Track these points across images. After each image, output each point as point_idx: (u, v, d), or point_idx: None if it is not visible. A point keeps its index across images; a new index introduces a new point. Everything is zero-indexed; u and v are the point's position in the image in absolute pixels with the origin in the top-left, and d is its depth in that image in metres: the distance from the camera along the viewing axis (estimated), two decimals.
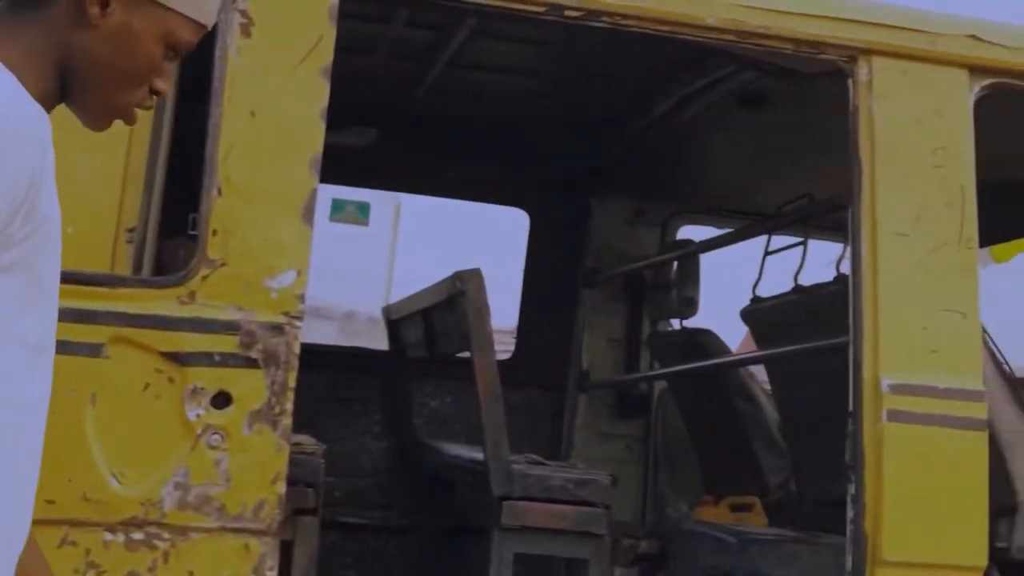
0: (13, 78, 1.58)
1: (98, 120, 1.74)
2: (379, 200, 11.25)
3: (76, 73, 1.67)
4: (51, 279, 1.67)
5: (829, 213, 3.73)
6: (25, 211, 1.55)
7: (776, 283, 4.24)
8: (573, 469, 3.65)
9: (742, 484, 4.73)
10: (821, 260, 4.29)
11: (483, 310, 3.44)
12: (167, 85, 1.76)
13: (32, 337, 1.62)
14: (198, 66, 2.81)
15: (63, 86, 1.68)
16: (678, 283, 4.77)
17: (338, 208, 8.63)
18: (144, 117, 2.15)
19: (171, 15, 1.68)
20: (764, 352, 4.24)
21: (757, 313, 4.31)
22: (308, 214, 2.74)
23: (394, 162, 5.00)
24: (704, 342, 4.70)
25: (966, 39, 3.27)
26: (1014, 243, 5.24)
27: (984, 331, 3.39)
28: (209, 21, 1.74)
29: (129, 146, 2.89)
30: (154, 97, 1.75)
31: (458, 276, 3.48)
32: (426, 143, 4.90)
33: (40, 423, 1.67)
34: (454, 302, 3.58)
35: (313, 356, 3.20)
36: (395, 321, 4.74)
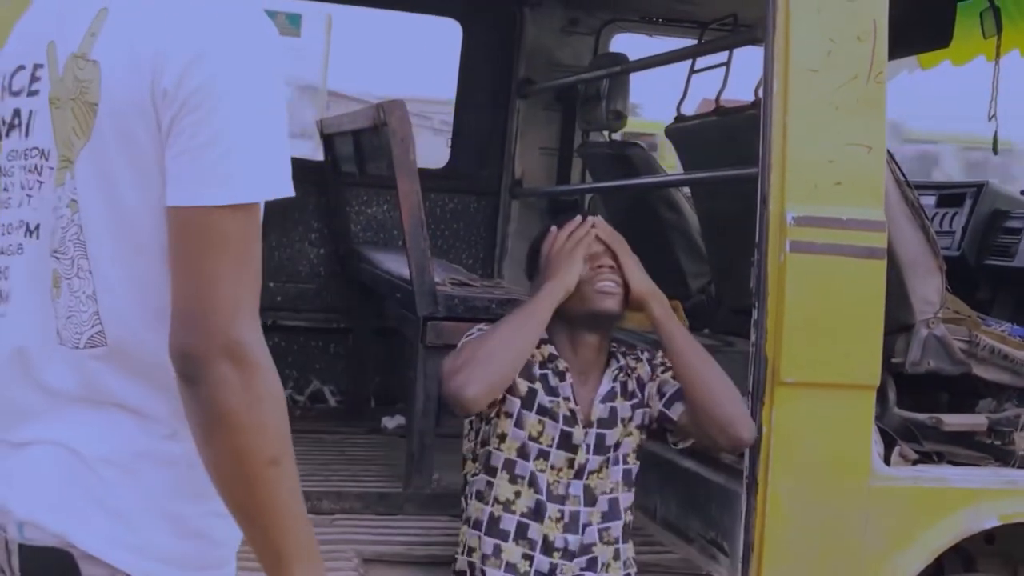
0: None
1: None
2: (311, 11, 11.05)
3: None
4: None
5: (748, 44, 3.78)
6: None
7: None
8: (496, 288, 3.79)
9: (666, 288, 4.93)
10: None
11: (406, 140, 3.50)
12: None
13: None
14: None
15: None
16: (608, 96, 4.84)
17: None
18: None
19: None
20: (683, 176, 4.35)
21: (680, 131, 4.40)
22: None
23: None
24: (631, 155, 4.80)
25: None
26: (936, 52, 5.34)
27: (891, 158, 3.51)
28: None
29: None
30: None
31: (381, 107, 3.53)
32: None
33: None
34: (379, 131, 3.64)
35: None
36: (328, 136, 4.80)
